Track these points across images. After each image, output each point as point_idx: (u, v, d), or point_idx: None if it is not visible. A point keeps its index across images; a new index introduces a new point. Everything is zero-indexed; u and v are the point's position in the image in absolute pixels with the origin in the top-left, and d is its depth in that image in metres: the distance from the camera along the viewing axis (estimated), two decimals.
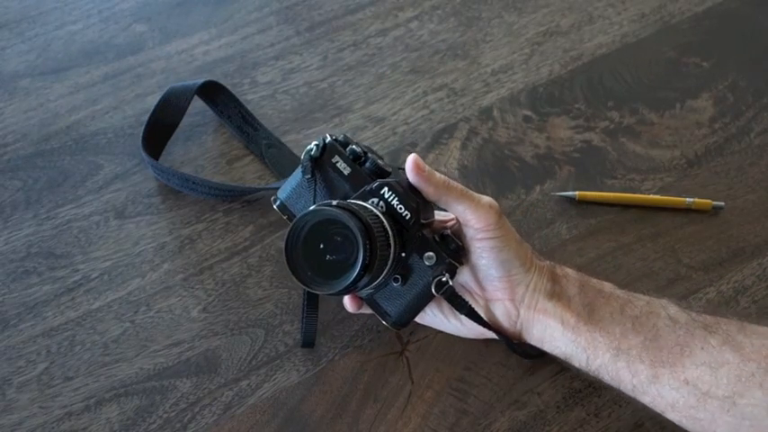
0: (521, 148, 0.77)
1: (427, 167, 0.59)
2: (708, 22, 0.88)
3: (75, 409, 0.61)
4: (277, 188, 0.63)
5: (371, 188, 0.58)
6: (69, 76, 0.80)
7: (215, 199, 0.72)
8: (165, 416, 0.61)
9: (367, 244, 0.53)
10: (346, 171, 0.60)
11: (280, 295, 0.67)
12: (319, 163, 0.61)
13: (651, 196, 0.74)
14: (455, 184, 0.60)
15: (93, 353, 0.64)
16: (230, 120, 0.76)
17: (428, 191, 0.59)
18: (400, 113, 0.79)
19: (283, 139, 0.76)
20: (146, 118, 0.74)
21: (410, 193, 0.59)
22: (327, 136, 0.61)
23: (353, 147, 0.61)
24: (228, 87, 0.77)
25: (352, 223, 0.53)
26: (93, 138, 0.75)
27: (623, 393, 0.58)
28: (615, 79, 0.83)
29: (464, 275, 0.62)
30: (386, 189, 0.58)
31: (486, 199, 0.60)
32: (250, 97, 0.79)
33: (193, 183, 0.71)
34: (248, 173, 0.74)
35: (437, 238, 0.60)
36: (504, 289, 0.61)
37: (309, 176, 0.60)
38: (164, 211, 0.71)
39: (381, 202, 0.58)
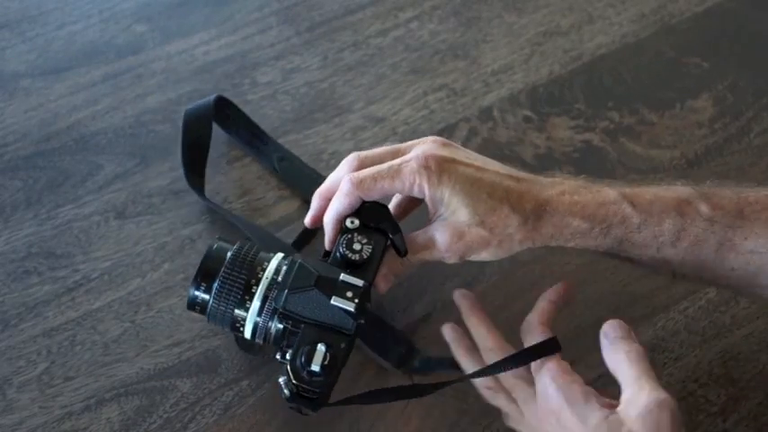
0: (521, 148, 0.77)
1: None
2: (708, 22, 0.88)
3: (75, 408, 0.61)
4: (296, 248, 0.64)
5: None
6: (70, 76, 0.80)
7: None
8: (165, 416, 0.61)
9: None
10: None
11: None
12: None
13: None
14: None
15: (93, 353, 0.64)
16: (239, 135, 0.75)
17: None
18: (400, 113, 0.79)
19: (284, 139, 0.76)
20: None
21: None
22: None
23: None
24: (229, 88, 0.77)
25: None
26: (94, 138, 0.76)
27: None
28: (615, 79, 0.83)
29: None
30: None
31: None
32: (250, 98, 0.79)
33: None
34: (248, 173, 0.74)
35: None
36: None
37: None
38: (164, 211, 0.71)
39: None
